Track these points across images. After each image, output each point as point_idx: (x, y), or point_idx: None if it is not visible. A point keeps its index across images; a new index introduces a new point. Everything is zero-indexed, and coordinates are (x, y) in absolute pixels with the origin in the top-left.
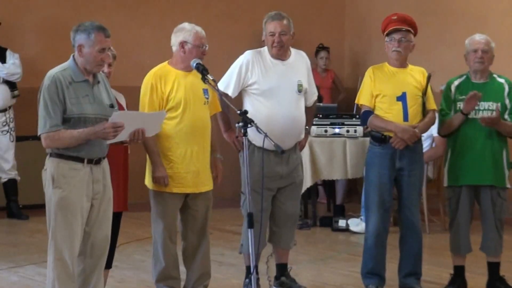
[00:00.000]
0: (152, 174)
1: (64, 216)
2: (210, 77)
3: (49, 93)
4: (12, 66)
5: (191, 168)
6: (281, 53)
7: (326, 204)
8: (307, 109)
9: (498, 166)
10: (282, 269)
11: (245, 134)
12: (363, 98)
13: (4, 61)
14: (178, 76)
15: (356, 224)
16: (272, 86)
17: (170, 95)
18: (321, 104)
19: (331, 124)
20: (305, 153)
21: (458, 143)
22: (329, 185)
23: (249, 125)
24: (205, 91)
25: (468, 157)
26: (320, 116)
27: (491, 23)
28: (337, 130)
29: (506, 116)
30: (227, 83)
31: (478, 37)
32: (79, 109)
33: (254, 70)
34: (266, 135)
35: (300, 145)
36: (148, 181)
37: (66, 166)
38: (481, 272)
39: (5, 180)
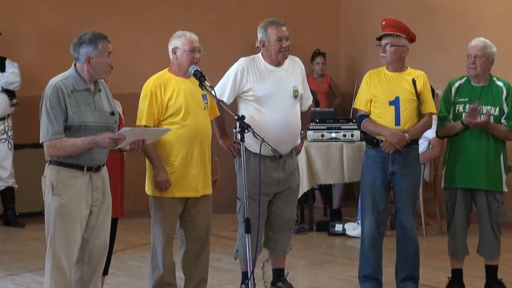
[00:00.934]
0: (154, 178)
1: (63, 224)
2: (207, 83)
3: (51, 101)
4: (11, 75)
5: (192, 172)
6: (285, 59)
7: (323, 209)
8: (303, 114)
9: (494, 170)
10: (278, 274)
11: (242, 139)
12: (359, 103)
13: (3, 70)
14: (177, 83)
15: (353, 229)
16: (268, 93)
17: (169, 102)
18: (317, 109)
19: (328, 128)
20: (302, 158)
21: (455, 146)
22: (326, 189)
23: (246, 131)
24: (204, 97)
25: (463, 160)
26: (317, 120)
27: (485, 27)
28: (333, 135)
29: (502, 120)
30: (222, 90)
31: (474, 42)
32: (81, 118)
33: (249, 77)
34: (263, 140)
35: (296, 150)
36: (148, 188)
37: (65, 173)
38: (479, 275)
39: (3, 188)
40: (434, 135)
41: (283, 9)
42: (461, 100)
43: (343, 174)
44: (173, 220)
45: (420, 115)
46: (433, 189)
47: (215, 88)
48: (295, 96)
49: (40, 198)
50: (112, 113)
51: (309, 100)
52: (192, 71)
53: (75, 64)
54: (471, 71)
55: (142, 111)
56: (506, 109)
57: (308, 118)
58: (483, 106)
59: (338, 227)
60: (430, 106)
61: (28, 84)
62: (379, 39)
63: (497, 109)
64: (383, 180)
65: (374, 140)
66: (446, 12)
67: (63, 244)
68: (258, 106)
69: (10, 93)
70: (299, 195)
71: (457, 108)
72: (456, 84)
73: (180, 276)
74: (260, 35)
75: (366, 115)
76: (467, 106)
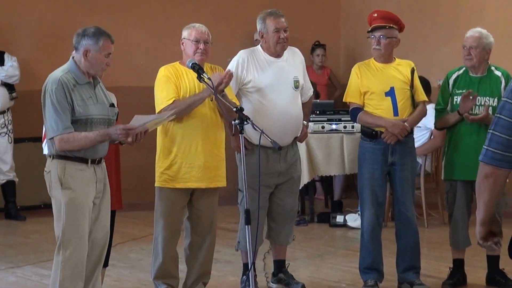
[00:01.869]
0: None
1: (75, 217)
2: (205, 76)
3: (58, 96)
4: (10, 69)
5: (196, 162)
6: (284, 50)
7: (324, 200)
8: (304, 104)
9: None
10: (279, 265)
11: (241, 131)
12: (351, 96)
13: (2, 64)
14: (186, 73)
15: (354, 220)
16: (268, 84)
17: (180, 91)
18: (317, 100)
19: (328, 120)
20: (302, 150)
21: (454, 137)
22: (327, 181)
23: (245, 122)
24: None
25: (461, 152)
26: (317, 112)
27: (487, 17)
28: (334, 126)
29: None
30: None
31: (469, 33)
32: (86, 111)
33: (249, 69)
34: (262, 132)
35: (302, 134)
36: (156, 179)
37: (72, 167)
38: (481, 265)
39: (3, 181)
40: None
41: (283, 1)
42: (459, 91)
43: (343, 165)
44: (176, 211)
45: (413, 104)
46: (434, 180)
47: None
48: (296, 87)
49: (40, 192)
50: (112, 105)
51: (310, 91)
52: (190, 64)
53: (73, 57)
54: (467, 62)
55: (161, 94)
56: None
57: (310, 109)
58: (482, 98)
59: (339, 219)
60: (422, 94)
61: (27, 78)
62: (371, 31)
63: (495, 99)
64: (382, 171)
65: (373, 132)
66: (447, 2)
67: (75, 237)
68: (259, 98)
69: (9, 87)
70: (300, 187)
71: (455, 99)
72: (454, 76)
73: (183, 269)
74: (259, 26)
75: (360, 108)
76: None
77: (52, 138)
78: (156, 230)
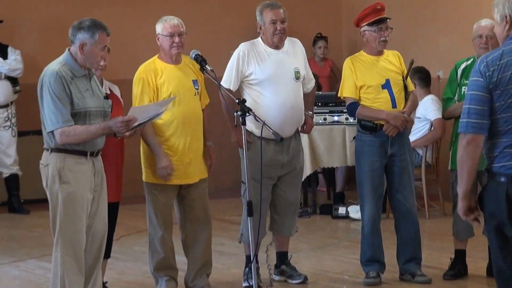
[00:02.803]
0: (156, 165)
1: (73, 211)
2: (208, 67)
3: (56, 89)
4: (13, 62)
5: (184, 159)
6: (282, 41)
7: (326, 192)
8: (306, 95)
9: None
10: (282, 257)
11: (243, 123)
12: (346, 90)
13: (5, 57)
14: (167, 69)
15: (356, 211)
16: (269, 76)
17: (162, 88)
18: (320, 92)
19: (330, 112)
20: (305, 141)
21: None
22: (329, 173)
23: (247, 114)
24: (195, 82)
25: None
26: (319, 104)
27: (486, 10)
28: (336, 118)
29: None
30: (230, 80)
31: (484, 23)
32: (84, 104)
33: (250, 61)
34: (264, 123)
35: (307, 127)
36: (143, 174)
37: (71, 160)
38: (482, 255)
39: (7, 175)
40: (436, 117)
41: None
42: (467, 81)
43: (346, 157)
44: (167, 205)
45: (406, 94)
46: (435, 171)
47: (223, 81)
48: (297, 78)
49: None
50: (106, 97)
51: (311, 82)
52: (193, 56)
53: (69, 49)
54: (482, 51)
55: (135, 96)
56: None
57: (312, 99)
58: None
59: (342, 210)
60: (411, 84)
61: (30, 71)
62: (374, 23)
63: None
64: (381, 164)
65: (373, 125)
66: None
67: (73, 232)
68: (260, 90)
69: (13, 80)
70: (302, 179)
71: (463, 89)
72: (462, 66)
73: (184, 260)
74: (257, 18)
75: (357, 102)
76: None
77: (52, 131)
78: (150, 225)
